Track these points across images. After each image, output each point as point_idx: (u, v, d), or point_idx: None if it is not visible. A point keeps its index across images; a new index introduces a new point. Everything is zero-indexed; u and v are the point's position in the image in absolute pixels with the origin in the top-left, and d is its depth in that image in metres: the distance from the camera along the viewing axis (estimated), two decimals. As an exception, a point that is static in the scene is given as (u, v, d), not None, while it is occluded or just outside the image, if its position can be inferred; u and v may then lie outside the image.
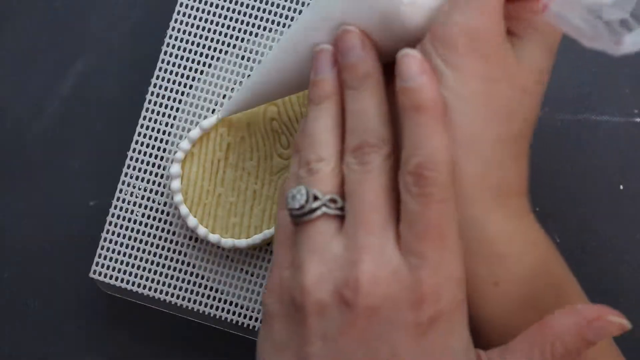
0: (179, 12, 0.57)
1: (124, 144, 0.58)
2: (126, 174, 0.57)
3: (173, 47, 0.57)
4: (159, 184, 0.57)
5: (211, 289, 0.57)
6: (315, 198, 0.42)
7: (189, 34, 0.58)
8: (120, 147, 0.59)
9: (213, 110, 0.57)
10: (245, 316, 0.57)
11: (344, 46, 0.44)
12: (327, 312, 0.40)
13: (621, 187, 0.61)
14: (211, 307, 0.57)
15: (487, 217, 0.42)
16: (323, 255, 0.41)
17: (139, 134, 0.57)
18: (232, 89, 0.57)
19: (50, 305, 0.62)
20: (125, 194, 0.57)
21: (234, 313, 0.57)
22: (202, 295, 0.57)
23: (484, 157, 0.41)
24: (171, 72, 0.57)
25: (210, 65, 0.58)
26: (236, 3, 0.58)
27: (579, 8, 0.39)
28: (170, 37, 0.57)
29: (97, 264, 0.57)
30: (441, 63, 0.41)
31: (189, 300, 0.57)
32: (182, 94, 0.57)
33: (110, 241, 0.57)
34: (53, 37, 0.63)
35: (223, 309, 0.57)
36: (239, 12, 0.58)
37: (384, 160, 0.42)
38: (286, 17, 0.58)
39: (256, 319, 0.57)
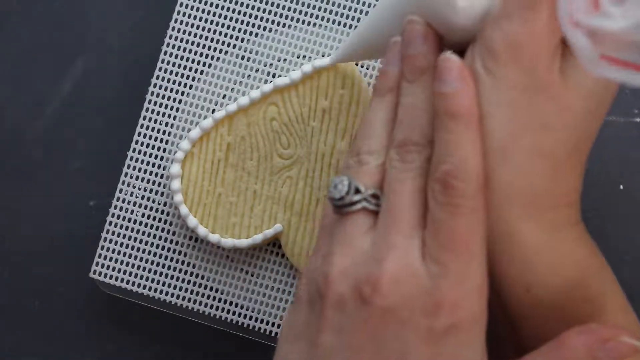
0: (179, 12, 0.57)
1: (124, 144, 0.58)
2: (126, 174, 0.57)
3: (173, 47, 0.57)
4: (159, 184, 0.57)
5: (211, 289, 0.57)
6: (357, 191, 0.42)
7: (189, 34, 0.58)
8: (120, 147, 0.59)
9: (213, 111, 0.57)
10: (245, 316, 0.57)
11: (406, 37, 0.43)
12: (344, 306, 0.40)
13: (621, 187, 0.61)
14: (211, 307, 0.57)
15: (519, 226, 0.41)
16: (352, 248, 0.41)
17: (139, 134, 0.57)
18: (232, 89, 0.57)
19: (50, 305, 0.62)
20: (125, 194, 0.57)
21: (234, 313, 0.57)
22: (202, 295, 0.57)
23: (515, 167, 0.41)
24: (171, 72, 0.57)
25: (210, 65, 0.58)
26: (236, 3, 0.58)
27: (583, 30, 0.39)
28: (170, 37, 0.57)
29: (97, 264, 0.57)
30: (481, 68, 0.41)
31: (189, 300, 0.57)
32: (182, 94, 0.57)
33: (110, 241, 0.57)
34: (53, 37, 0.63)
35: (223, 309, 0.57)
36: (239, 12, 0.58)
37: (426, 161, 0.42)
38: (286, 17, 0.58)
39: (256, 319, 0.57)
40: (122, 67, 0.62)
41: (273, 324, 0.57)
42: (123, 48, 0.63)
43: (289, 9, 0.58)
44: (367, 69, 0.57)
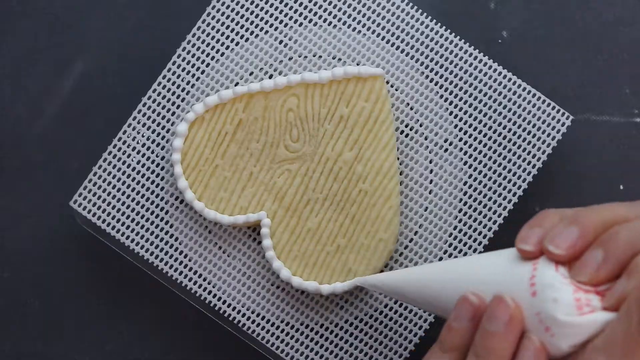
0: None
1: (124, 143, 0.59)
2: (134, 118, 0.58)
3: (217, 11, 0.58)
4: (163, 137, 0.58)
5: (185, 256, 0.58)
6: None
7: (237, 2, 0.58)
8: (121, 147, 0.59)
9: (236, 84, 0.58)
10: (210, 292, 0.58)
11: (491, 312, 0.43)
12: None
13: (621, 187, 0.61)
14: (180, 273, 0.58)
15: None
16: None
17: (159, 84, 0.58)
18: (261, 69, 0.58)
19: (50, 305, 0.62)
20: (128, 137, 0.57)
21: (199, 286, 0.58)
22: (174, 259, 0.58)
23: None
24: (208, 35, 0.58)
25: (247, 39, 0.58)
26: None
27: None
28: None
29: (80, 195, 0.58)
30: None
31: (161, 260, 0.58)
32: (212, 58, 0.58)
33: (100, 177, 0.58)
34: (53, 37, 0.63)
35: (191, 279, 0.58)
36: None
37: None
38: (334, 17, 0.58)
39: (224, 302, 0.57)
40: (122, 67, 0.62)
41: (234, 308, 0.58)
42: (123, 48, 0.63)
43: (339, 9, 0.58)
44: (397, 90, 0.58)
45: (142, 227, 0.58)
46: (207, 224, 0.58)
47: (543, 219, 0.44)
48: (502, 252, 0.45)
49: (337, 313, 0.58)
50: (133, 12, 0.63)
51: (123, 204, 0.58)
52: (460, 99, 0.58)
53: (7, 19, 0.63)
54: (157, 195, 0.58)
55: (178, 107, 0.58)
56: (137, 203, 0.58)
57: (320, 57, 0.58)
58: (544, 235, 0.43)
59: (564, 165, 0.61)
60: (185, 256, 0.58)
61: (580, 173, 0.61)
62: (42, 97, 0.63)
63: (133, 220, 0.58)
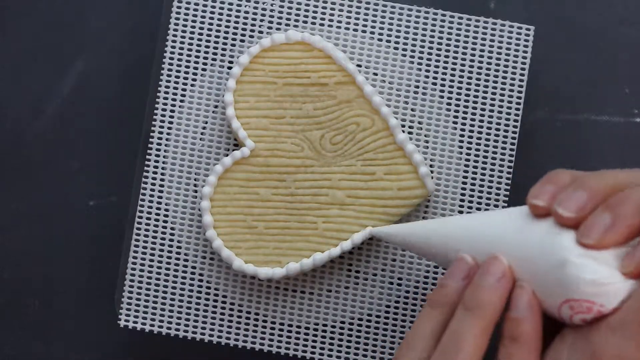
0: None
1: (124, 143, 0.59)
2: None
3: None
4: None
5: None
6: None
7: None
8: (121, 147, 0.59)
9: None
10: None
11: (485, 268, 0.43)
12: None
13: (621, 187, 0.61)
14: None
15: None
16: None
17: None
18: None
19: (50, 305, 0.62)
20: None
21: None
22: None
23: None
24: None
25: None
26: None
27: None
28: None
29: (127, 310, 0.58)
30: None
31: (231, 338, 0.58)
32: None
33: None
34: (53, 37, 0.63)
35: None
36: None
37: None
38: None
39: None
40: (122, 67, 0.62)
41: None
42: (123, 48, 0.63)
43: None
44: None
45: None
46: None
47: (555, 176, 0.44)
48: (512, 211, 0.45)
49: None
50: (133, 12, 0.63)
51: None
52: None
53: (7, 19, 0.63)
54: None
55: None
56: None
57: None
58: (556, 191, 0.42)
59: (564, 165, 0.60)
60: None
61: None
62: (42, 97, 0.63)
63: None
